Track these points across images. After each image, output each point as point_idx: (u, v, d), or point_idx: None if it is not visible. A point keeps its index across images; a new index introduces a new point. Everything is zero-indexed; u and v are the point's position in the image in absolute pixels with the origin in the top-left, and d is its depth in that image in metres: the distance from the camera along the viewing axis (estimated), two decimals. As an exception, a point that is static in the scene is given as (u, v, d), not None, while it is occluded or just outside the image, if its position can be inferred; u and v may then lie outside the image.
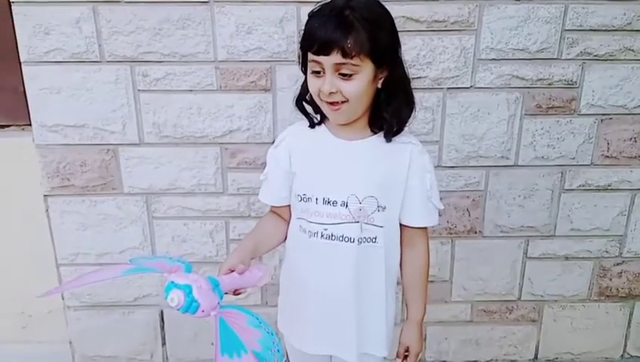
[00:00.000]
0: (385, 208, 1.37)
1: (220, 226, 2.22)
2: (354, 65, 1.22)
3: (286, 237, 1.51)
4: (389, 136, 1.36)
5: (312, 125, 1.44)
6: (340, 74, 1.24)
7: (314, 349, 1.51)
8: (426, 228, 1.46)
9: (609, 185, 2.21)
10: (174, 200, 2.18)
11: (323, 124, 1.43)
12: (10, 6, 1.94)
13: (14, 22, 1.96)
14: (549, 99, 2.08)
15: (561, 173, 2.19)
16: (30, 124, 2.09)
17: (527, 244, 2.29)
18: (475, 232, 2.26)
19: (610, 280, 2.36)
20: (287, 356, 1.68)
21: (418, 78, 2.02)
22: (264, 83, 2.03)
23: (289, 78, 2.00)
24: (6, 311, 2.35)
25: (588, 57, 2.04)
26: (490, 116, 2.10)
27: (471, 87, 2.06)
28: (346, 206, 1.35)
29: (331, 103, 1.28)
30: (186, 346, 2.38)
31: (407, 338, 1.51)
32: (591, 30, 2.01)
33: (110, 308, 2.32)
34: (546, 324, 2.42)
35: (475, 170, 2.17)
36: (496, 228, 2.26)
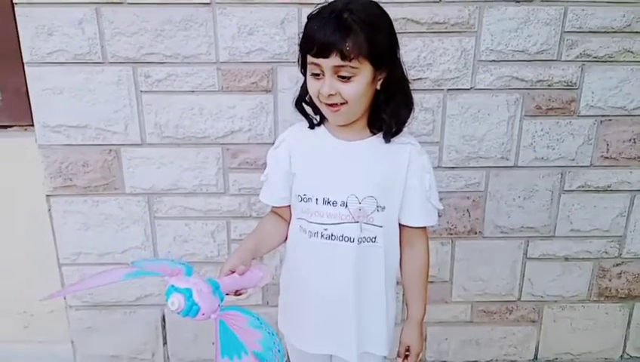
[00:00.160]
0: (384, 208, 1.38)
1: (222, 226, 2.23)
2: (353, 67, 1.23)
3: (287, 238, 1.52)
4: (388, 137, 1.37)
5: (312, 126, 1.45)
6: (339, 76, 1.25)
7: (314, 349, 1.52)
8: (425, 228, 1.47)
9: (608, 186, 2.22)
10: (176, 201, 2.19)
11: (322, 125, 1.44)
12: (13, 7, 1.95)
13: (17, 23, 1.97)
14: (549, 100, 2.09)
15: (561, 174, 2.19)
16: (33, 125, 2.10)
17: (527, 245, 2.30)
18: (475, 233, 2.27)
19: (610, 280, 2.36)
20: (287, 356, 1.69)
21: (419, 79, 2.02)
22: (265, 84, 2.04)
23: (290, 79, 2.01)
24: (8, 311, 2.35)
25: (587, 59, 2.05)
26: (490, 117, 2.11)
27: (471, 88, 2.07)
28: (346, 206, 1.36)
29: (330, 105, 1.29)
30: (187, 346, 2.39)
31: (408, 338, 1.52)
32: (590, 32, 2.01)
33: (112, 307, 2.33)
34: (546, 325, 2.43)
35: (475, 171, 2.18)
36: (497, 229, 2.26)
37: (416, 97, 1.40)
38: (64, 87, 2.03)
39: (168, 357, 2.43)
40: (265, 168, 1.52)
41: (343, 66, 1.23)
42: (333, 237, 1.38)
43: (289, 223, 1.51)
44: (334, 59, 1.22)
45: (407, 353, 1.53)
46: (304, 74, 1.35)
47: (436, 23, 1.98)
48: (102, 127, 2.08)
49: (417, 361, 1.54)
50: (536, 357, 2.49)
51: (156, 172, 2.15)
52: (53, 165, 2.13)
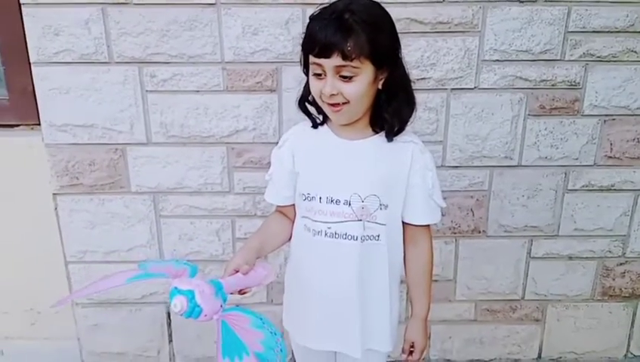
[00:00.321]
0: (387, 206, 1.39)
1: (226, 225, 2.24)
2: (354, 67, 1.24)
3: (291, 236, 1.54)
4: (390, 136, 1.38)
5: (315, 125, 1.46)
6: (340, 76, 1.26)
7: (319, 345, 1.54)
8: (429, 226, 1.48)
9: (612, 186, 2.22)
10: (181, 199, 2.20)
11: (325, 125, 1.45)
12: (20, 7, 1.97)
13: (24, 23, 1.98)
14: (553, 100, 2.09)
15: (565, 174, 2.20)
16: (39, 124, 2.11)
17: (531, 244, 2.30)
18: (479, 232, 2.27)
19: (614, 280, 2.36)
20: (292, 353, 1.70)
21: (422, 79, 2.03)
22: (270, 83, 2.05)
23: (295, 79, 2.01)
24: (15, 308, 2.37)
25: (591, 59, 2.05)
26: (493, 117, 2.11)
27: (475, 87, 2.08)
28: (349, 204, 1.37)
29: (332, 105, 1.30)
30: (192, 343, 2.40)
31: (413, 334, 1.53)
32: (594, 32, 2.01)
33: (118, 305, 2.35)
34: (550, 324, 2.43)
35: (479, 170, 2.19)
36: (500, 228, 2.27)
37: (420, 97, 1.41)
38: (70, 86, 2.05)
39: (174, 355, 2.44)
40: (269, 167, 1.53)
41: (344, 66, 1.24)
42: (336, 236, 1.39)
43: (294, 222, 1.52)
44: (336, 60, 1.24)
45: (411, 349, 1.54)
46: (306, 74, 1.36)
47: (440, 22, 1.99)
48: (108, 127, 2.10)
49: (422, 357, 1.55)
50: (539, 356, 2.49)
51: (162, 171, 2.16)
52: (59, 164, 2.14)
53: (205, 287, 1.18)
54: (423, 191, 1.41)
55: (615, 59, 2.05)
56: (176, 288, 1.17)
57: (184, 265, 1.29)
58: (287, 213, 1.54)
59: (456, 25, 2.00)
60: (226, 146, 2.14)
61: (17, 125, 2.19)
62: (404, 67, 1.38)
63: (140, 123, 2.10)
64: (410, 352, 1.54)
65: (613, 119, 2.13)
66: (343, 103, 1.30)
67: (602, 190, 2.23)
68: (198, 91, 2.06)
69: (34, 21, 1.98)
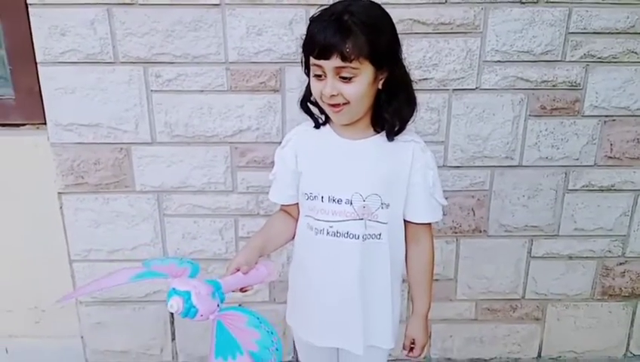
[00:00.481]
0: (388, 205, 1.40)
1: (230, 224, 2.26)
2: (353, 68, 1.26)
3: (295, 235, 1.55)
4: (391, 135, 1.39)
5: (317, 125, 1.47)
6: (340, 77, 1.27)
7: (321, 342, 1.55)
8: (430, 224, 1.49)
9: (612, 186, 2.23)
10: (185, 198, 2.22)
11: (328, 125, 1.46)
12: (27, 7, 1.98)
13: (31, 23, 2.00)
14: (553, 100, 2.11)
15: (565, 174, 2.21)
16: (45, 123, 2.13)
17: (531, 244, 2.31)
18: (480, 231, 2.28)
19: (614, 279, 2.38)
20: (295, 349, 1.72)
21: (424, 79, 2.04)
22: (274, 84, 2.07)
23: (298, 79, 2.03)
24: (19, 306, 2.38)
25: (592, 60, 2.06)
26: (495, 117, 2.13)
27: (476, 88, 2.09)
28: (351, 203, 1.38)
29: (333, 105, 1.32)
30: (195, 341, 2.41)
31: (413, 331, 1.55)
32: (595, 33, 2.03)
33: (121, 303, 2.36)
34: (550, 323, 2.45)
35: (480, 170, 2.20)
36: (501, 228, 2.28)
37: (422, 97, 1.42)
38: (76, 86, 2.06)
39: (177, 353, 2.46)
40: (273, 166, 1.54)
41: (343, 67, 1.26)
42: (338, 235, 1.41)
43: (297, 220, 1.54)
44: (335, 61, 1.25)
45: (412, 346, 1.56)
46: (308, 75, 1.38)
47: (442, 23, 2.00)
48: (113, 126, 2.12)
49: (422, 354, 1.57)
50: (539, 355, 2.50)
51: (166, 170, 2.18)
52: (65, 163, 2.16)
53: (202, 288, 1.21)
54: (424, 189, 1.43)
55: (615, 60, 2.07)
56: (173, 289, 1.19)
57: (186, 263, 1.32)
58: (290, 211, 1.55)
59: (458, 26, 2.01)
60: (229, 146, 2.15)
61: (23, 124, 2.20)
62: (404, 67, 1.39)
63: (145, 122, 2.11)
64: (411, 349, 1.56)
65: (614, 120, 2.15)
66: (344, 104, 1.31)
67: (602, 190, 2.24)
68: (202, 91, 2.08)
69: (40, 21, 1.99)
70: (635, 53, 2.06)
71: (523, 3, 1.99)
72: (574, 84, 2.09)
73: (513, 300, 2.41)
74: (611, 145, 2.18)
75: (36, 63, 2.05)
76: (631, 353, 2.51)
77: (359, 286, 1.44)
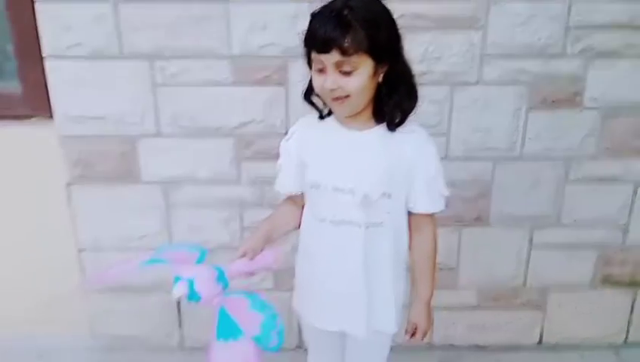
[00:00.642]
0: (391, 195, 1.42)
1: (235, 214, 2.28)
2: (353, 62, 1.28)
3: (300, 223, 1.59)
4: (392, 127, 1.41)
5: (321, 117, 1.50)
6: (340, 71, 1.29)
7: (327, 326, 1.58)
8: (433, 214, 1.51)
9: (612, 177, 2.25)
10: (191, 190, 2.24)
11: (331, 116, 1.48)
12: (33, 2, 2.00)
13: (37, 17, 2.02)
14: (554, 93, 2.12)
15: (566, 165, 2.23)
16: (51, 116, 2.16)
17: (533, 233, 2.34)
18: (482, 221, 2.31)
19: (613, 267, 2.40)
20: (300, 336, 1.75)
21: (426, 73, 2.05)
22: (278, 77, 2.09)
23: (301, 73, 2.03)
24: (29, 295, 2.41)
25: (592, 53, 2.07)
26: (496, 110, 2.14)
27: (478, 81, 2.10)
28: (354, 193, 1.41)
29: (335, 98, 1.34)
30: (202, 328, 2.41)
31: (415, 317, 1.58)
32: (595, 27, 2.04)
33: (129, 291, 2.39)
34: (551, 310, 2.47)
35: (482, 162, 2.22)
36: (503, 218, 2.30)
37: (424, 90, 1.43)
38: (83, 79, 2.08)
39: (183, 340, 2.49)
40: (277, 158, 1.57)
41: (343, 61, 1.28)
42: (342, 223, 1.44)
43: (303, 209, 1.57)
44: (335, 55, 1.27)
45: (414, 331, 1.59)
46: (310, 68, 1.40)
47: (444, 18, 2.01)
48: (119, 119, 2.14)
49: (424, 339, 1.60)
50: (540, 342, 2.53)
51: (172, 162, 2.20)
52: (72, 155, 2.18)
53: (206, 274, 1.26)
54: (427, 180, 1.44)
55: (616, 53, 2.08)
56: (178, 276, 1.25)
57: (195, 249, 1.38)
58: (296, 201, 1.58)
59: (459, 20, 2.02)
60: (234, 138, 2.17)
61: (31, 116, 2.22)
62: (405, 61, 1.40)
63: (151, 115, 2.14)
64: (413, 334, 1.60)
65: (614, 112, 2.16)
66: (345, 97, 1.33)
67: (602, 181, 2.26)
68: (207, 84, 2.09)
69: (47, 15, 2.01)
70: (636, 46, 2.07)
71: (524, -3, 2.01)
72: (575, 77, 2.10)
73: (515, 288, 2.43)
74: (611, 137, 2.19)
75: (42, 57, 2.07)
76: (631, 340, 2.53)
77: (363, 273, 1.47)
